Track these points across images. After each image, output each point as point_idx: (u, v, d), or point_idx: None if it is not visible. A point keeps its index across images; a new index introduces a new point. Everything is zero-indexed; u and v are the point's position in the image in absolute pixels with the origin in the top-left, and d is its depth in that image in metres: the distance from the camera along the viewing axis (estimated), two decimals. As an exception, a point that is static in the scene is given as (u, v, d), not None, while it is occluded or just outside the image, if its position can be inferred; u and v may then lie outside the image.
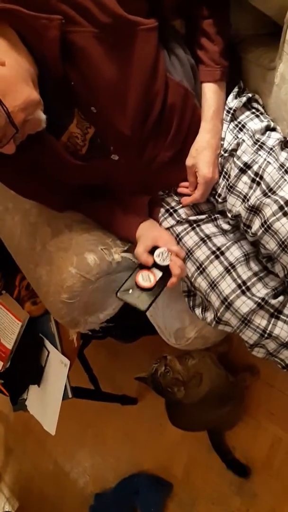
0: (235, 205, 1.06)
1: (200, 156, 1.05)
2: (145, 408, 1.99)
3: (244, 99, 1.10)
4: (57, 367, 1.49)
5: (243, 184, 1.03)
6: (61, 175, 1.09)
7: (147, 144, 1.04)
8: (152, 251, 1.05)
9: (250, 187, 1.02)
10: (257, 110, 1.12)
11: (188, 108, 1.05)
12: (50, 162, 1.05)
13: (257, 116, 1.10)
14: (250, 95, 1.11)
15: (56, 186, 1.14)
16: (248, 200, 1.02)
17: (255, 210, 1.01)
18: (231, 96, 1.10)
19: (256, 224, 1.01)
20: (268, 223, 0.98)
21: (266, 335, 1.06)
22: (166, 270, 1.03)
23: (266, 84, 1.11)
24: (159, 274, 1.03)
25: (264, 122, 1.07)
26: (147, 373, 1.43)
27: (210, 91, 1.06)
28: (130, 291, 1.01)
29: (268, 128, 1.08)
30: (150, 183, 1.14)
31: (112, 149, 1.04)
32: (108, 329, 1.38)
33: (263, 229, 1.00)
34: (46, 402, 1.52)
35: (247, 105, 1.11)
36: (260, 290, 1.07)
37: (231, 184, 1.05)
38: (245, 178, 1.03)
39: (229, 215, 1.08)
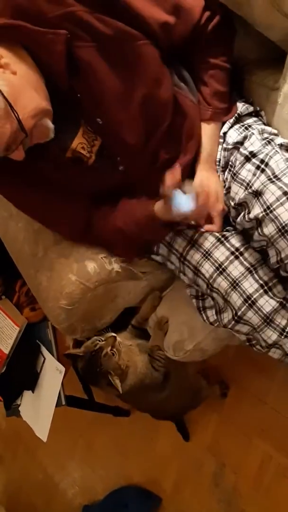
0: (238, 192, 1.06)
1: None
2: (137, 420, 1.99)
3: (251, 108, 1.14)
4: (52, 373, 1.51)
5: (246, 172, 1.04)
6: (68, 187, 1.11)
7: (159, 151, 1.07)
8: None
9: (254, 174, 1.03)
10: (262, 121, 1.16)
11: (198, 119, 1.10)
12: (56, 174, 1.07)
13: (263, 123, 1.14)
14: (258, 108, 1.15)
15: (70, 205, 1.15)
16: (251, 187, 1.02)
17: (258, 194, 1.01)
18: (238, 103, 1.14)
19: (257, 208, 1.01)
20: (271, 208, 0.98)
21: (285, 334, 1.06)
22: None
23: (269, 103, 1.14)
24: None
25: (273, 130, 1.11)
26: (85, 349, 1.27)
27: (204, 132, 1.11)
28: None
29: (275, 134, 1.11)
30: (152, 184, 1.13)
31: (119, 160, 1.06)
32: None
33: (264, 213, 0.99)
34: (39, 408, 1.53)
35: (252, 115, 1.15)
36: (281, 291, 1.08)
37: (234, 172, 1.07)
38: (249, 166, 1.04)
39: (232, 203, 1.08)
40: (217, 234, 1.12)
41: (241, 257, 1.09)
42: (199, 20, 1.03)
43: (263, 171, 1.02)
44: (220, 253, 1.10)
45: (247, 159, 1.04)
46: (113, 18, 0.93)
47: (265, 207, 0.99)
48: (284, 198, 0.97)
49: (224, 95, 1.11)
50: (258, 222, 1.02)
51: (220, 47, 1.09)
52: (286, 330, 1.06)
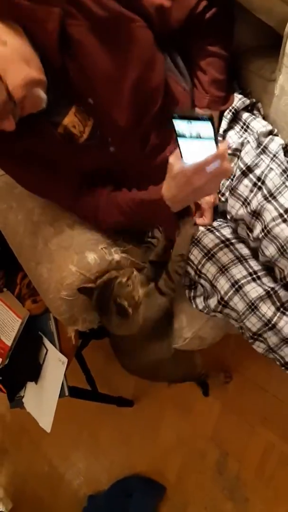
0: (234, 207, 1.07)
1: None
2: (141, 410, 2.00)
3: (247, 101, 1.13)
4: (55, 364, 1.51)
5: (243, 187, 1.05)
6: (59, 164, 1.12)
7: (149, 134, 1.07)
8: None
9: (251, 191, 1.04)
10: (259, 112, 1.15)
11: (189, 106, 1.09)
12: (48, 150, 1.08)
13: (261, 115, 1.13)
14: (254, 100, 1.15)
15: (61, 177, 1.16)
16: (249, 204, 1.04)
17: (256, 215, 1.03)
18: (235, 96, 1.14)
19: (257, 229, 1.03)
20: (268, 227, 1.00)
21: (270, 325, 1.06)
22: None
23: (267, 95, 1.13)
24: None
25: (268, 127, 1.09)
26: (100, 282, 1.21)
27: None
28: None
29: (271, 133, 1.10)
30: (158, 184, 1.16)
31: (110, 141, 1.07)
32: (106, 328, 1.40)
33: (263, 233, 1.01)
34: (42, 400, 1.54)
35: (248, 110, 1.14)
36: (270, 282, 1.08)
37: (232, 186, 1.07)
38: (246, 181, 1.05)
39: (228, 216, 1.10)
40: (209, 226, 1.13)
41: (231, 246, 1.10)
42: (196, 5, 1.02)
43: (259, 188, 1.03)
44: (209, 240, 1.11)
45: (244, 173, 1.05)
46: None
47: (262, 226, 1.01)
48: (280, 219, 0.98)
49: (222, 83, 1.10)
50: (260, 242, 1.04)
51: (219, 34, 1.08)
52: (272, 323, 1.06)
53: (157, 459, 1.94)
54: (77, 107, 1.02)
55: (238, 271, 1.08)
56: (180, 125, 0.82)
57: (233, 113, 1.12)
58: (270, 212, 1.00)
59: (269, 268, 1.10)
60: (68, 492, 2.23)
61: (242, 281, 1.07)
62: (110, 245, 1.23)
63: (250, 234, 1.06)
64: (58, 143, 1.06)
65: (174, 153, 0.91)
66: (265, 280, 1.08)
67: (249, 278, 1.07)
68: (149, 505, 1.89)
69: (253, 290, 1.06)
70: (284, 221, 0.98)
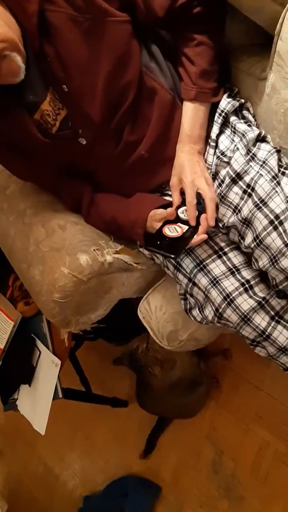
0: (225, 215, 1.07)
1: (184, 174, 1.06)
2: (135, 410, 1.99)
3: (236, 104, 1.11)
4: (48, 367, 1.50)
5: (234, 195, 1.04)
6: (32, 152, 1.12)
7: (122, 130, 1.06)
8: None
9: (241, 198, 1.03)
10: (248, 120, 1.13)
11: (165, 104, 1.07)
12: (21, 137, 1.07)
13: (249, 125, 1.11)
14: (242, 101, 1.13)
15: (40, 165, 1.17)
16: (240, 212, 1.03)
17: (247, 223, 1.02)
18: (223, 99, 1.11)
19: (249, 237, 1.03)
20: (260, 237, 1.00)
21: (264, 336, 1.07)
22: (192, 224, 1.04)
23: (257, 94, 1.13)
24: (185, 227, 1.04)
25: (255, 131, 1.07)
26: (127, 350, 1.42)
27: (186, 111, 1.08)
28: (158, 242, 1.02)
29: (259, 137, 1.08)
30: (134, 184, 1.16)
31: (81, 132, 1.06)
32: (100, 330, 1.40)
33: (255, 243, 1.01)
34: (36, 402, 1.53)
35: (237, 113, 1.13)
36: (262, 290, 1.08)
37: (222, 194, 1.06)
38: (236, 189, 1.04)
39: (220, 224, 1.09)
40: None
41: (224, 257, 1.10)
42: None
43: (250, 195, 1.02)
44: (203, 251, 1.11)
45: (234, 181, 1.04)
46: None
47: (254, 236, 1.01)
48: (271, 227, 0.98)
49: (211, 73, 1.06)
50: (252, 250, 1.03)
51: (209, 24, 1.05)
52: (266, 333, 1.07)
53: (152, 458, 1.94)
54: (51, 95, 1.02)
55: (229, 284, 1.08)
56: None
57: (223, 117, 1.10)
58: (260, 221, 0.99)
59: (262, 273, 1.10)
60: (64, 493, 2.23)
61: (234, 294, 1.07)
62: (103, 246, 1.22)
63: (242, 242, 1.06)
64: (31, 131, 1.05)
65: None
66: (257, 289, 1.08)
67: (241, 289, 1.07)
68: (145, 505, 1.89)
69: (245, 303, 1.06)
70: (275, 228, 0.98)
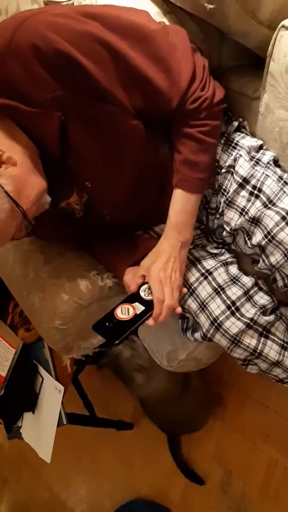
0: (233, 218, 1.06)
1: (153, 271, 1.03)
2: (141, 433, 1.98)
3: (235, 123, 1.11)
4: (52, 393, 1.49)
5: (241, 198, 1.04)
6: (56, 231, 1.14)
7: (137, 202, 1.08)
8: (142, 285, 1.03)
9: (248, 200, 1.03)
10: (247, 134, 1.14)
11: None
12: (45, 223, 1.04)
13: (248, 135, 1.12)
14: (241, 119, 1.14)
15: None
16: (247, 213, 1.02)
17: (256, 221, 1.01)
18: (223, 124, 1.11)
19: (258, 236, 1.01)
20: (272, 233, 0.98)
21: (256, 354, 1.07)
22: (149, 306, 0.99)
23: (251, 113, 1.13)
24: (140, 308, 0.99)
25: (258, 141, 1.08)
26: (112, 354, 1.36)
27: (172, 197, 1.04)
28: (107, 323, 0.98)
29: (262, 147, 1.08)
30: (137, 224, 1.18)
31: (106, 212, 1.07)
32: (101, 354, 1.39)
33: (266, 239, 0.99)
34: (41, 429, 1.51)
35: (237, 130, 1.13)
36: (249, 310, 1.07)
37: (229, 199, 1.06)
38: (243, 193, 1.03)
39: (228, 228, 1.08)
40: (191, 257, 1.13)
41: (209, 277, 1.11)
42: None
43: (257, 197, 1.01)
44: (191, 275, 1.11)
45: (241, 186, 1.04)
46: (100, 101, 0.90)
47: (265, 232, 0.99)
48: (283, 223, 0.97)
49: (195, 164, 1.01)
50: (261, 248, 1.02)
51: (199, 118, 0.99)
52: (257, 351, 1.07)
53: (160, 481, 1.92)
54: (77, 188, 1.02)
55: (216, 306, 1.07)
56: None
57: (225, 137, 1.10)
58: (271, 218, 0.98)
59: (255, 284, 1.11)
60: (71, 519, 2.19)
61: (221, 318, 1.07)
62: (102, 270, 1.22)
63: (248, 242, 1.05)
64: (57, 218, 1.05)
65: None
66: (244, 310, 1.07)
67: (228, 312, 1.07)
68: (154, 529, 1.86)
69: (233, 326, 1.06)
70: None
